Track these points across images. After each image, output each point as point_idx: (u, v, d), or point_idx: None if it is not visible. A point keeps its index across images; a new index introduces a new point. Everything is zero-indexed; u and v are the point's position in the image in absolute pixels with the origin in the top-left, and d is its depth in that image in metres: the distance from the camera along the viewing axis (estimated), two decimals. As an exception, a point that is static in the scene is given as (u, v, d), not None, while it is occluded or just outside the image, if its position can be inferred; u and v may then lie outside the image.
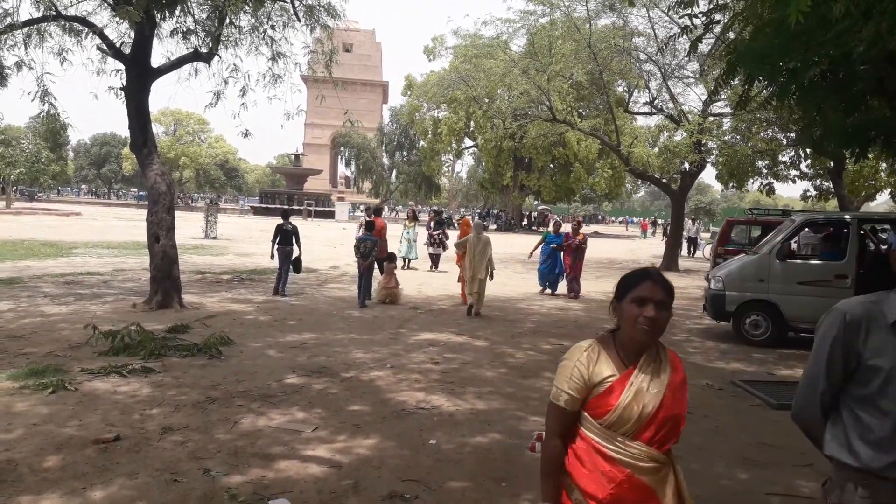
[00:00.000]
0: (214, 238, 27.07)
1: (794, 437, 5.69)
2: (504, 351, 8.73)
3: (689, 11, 6.63)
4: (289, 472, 4.44)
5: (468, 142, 53.67)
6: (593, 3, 18.73)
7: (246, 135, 12.92)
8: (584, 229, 17.42)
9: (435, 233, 19.26)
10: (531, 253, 14.54)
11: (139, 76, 10.62)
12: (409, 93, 52.10)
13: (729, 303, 9.89)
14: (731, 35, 4.98)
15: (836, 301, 8.05)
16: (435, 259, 19.37)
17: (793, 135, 20.23)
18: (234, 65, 12.29)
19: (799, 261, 9.85)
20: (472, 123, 47.03)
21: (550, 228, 15.74)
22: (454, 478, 4.49)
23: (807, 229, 10.78)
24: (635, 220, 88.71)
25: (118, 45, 10.75)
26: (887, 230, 12.75)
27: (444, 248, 19.39)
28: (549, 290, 14.98)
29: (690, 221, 33.36)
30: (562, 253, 14.81)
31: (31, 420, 5.13)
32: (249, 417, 5.51)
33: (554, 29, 20.40)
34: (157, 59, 11.40)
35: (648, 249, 35.02)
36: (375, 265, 12.75)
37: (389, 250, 14.60)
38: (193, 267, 16.71)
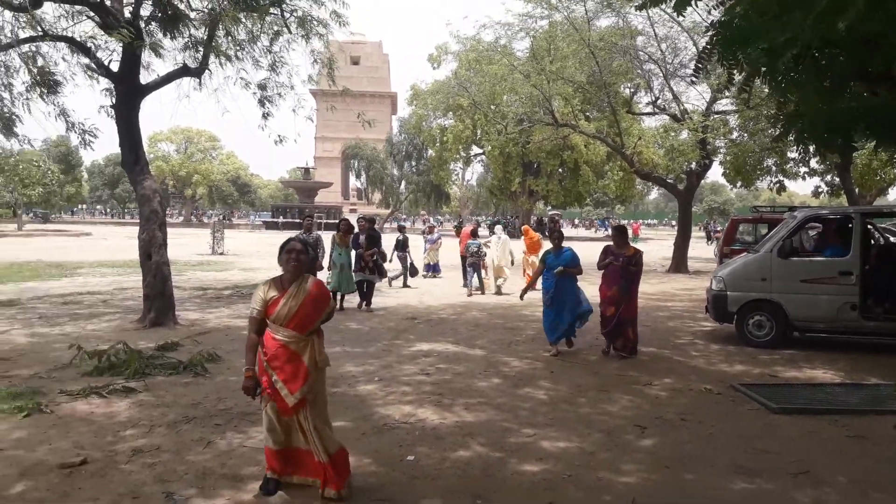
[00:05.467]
0: (222, 254, 27.08)
1: (792, 441, 5.49)
2: (500, 360, 8.53)
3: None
4: (256, 492, 4.27)
5: (476, 149, 53.50)
6: (592, 3, 18.57)
7: (280, 141, 12.86)
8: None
9: (367, 253, 12.69)
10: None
11: (128, 94, 10.56)
12: (414, 102, 52.03)
13: (731, 303, 9.63)
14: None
15: (843, 299, 7.79)
16: (365, 290, 12.80)
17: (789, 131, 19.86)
18: (244, 79, 12.11)
19: (801, 258, 9.57)
20: (478, 131, 46.85)
21: (548, 245, 9.54)
22: (428, 495, 4.30)
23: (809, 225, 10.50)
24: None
25: (107, 63, 10.70)
26: None
27: (382, 273, 13.28)
28: (562, 345, 9.00)
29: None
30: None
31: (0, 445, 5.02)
32: (225, 437, 5.36)
33: (554, 31, 20.22)
34: (154, 75, 11.37)
35: (659, 252, 34.58)
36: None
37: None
38: (197, 283, 16.67)
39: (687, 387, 7.32)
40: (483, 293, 15.69)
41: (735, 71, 4.34)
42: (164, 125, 71.50)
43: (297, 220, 56.42)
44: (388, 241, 14.89)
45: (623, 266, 8.64)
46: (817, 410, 6.41)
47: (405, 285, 16.69)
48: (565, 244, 9.27)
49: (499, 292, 15.54)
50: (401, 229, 17.96)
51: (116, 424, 5.61)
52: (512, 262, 16.02)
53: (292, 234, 12.16)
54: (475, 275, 15.75)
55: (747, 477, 4.72)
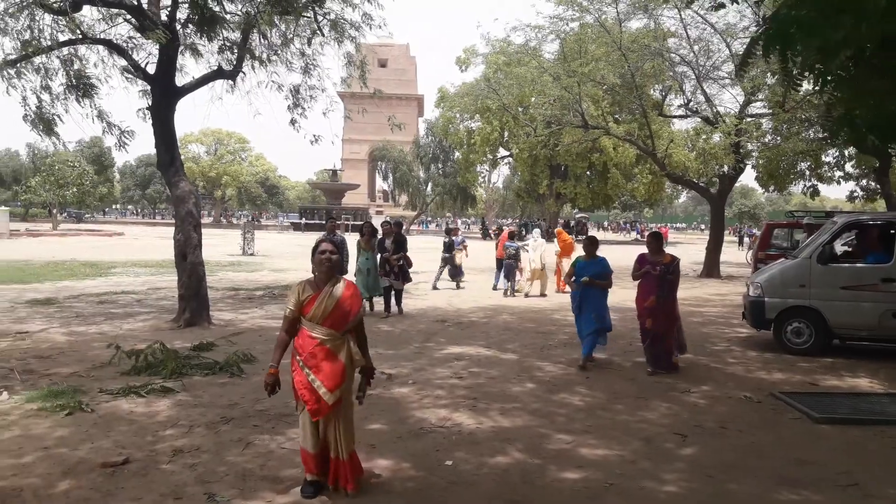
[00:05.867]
0: (252, 254, 27.33)
1: (836, 452, 5.36)
2: (533, 364, 8.47)
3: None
4: (296, 495, 4.27)
5: (503, 151, 53.46)
6: (623, 5, 18.41)
7: (315, 140, 12.96)
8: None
9: (394, 257, 12.33)
10: (562, 286, 9.08)
11: (164, 96, 10.69)
12: (442, 105, 52.12)
13: (769, 310, 9.46)
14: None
15: (885, 306, 7.58)
16: (395, 296, 12.55)
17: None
18: (276, 82, 12.17)
19: (842, 264, 9.38)
20: (506, 133, 46.79)
21: (581, 250, 8.95)
22: (469, 502, 4.27)
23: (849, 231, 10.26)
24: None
25: (144, 65, 10.85)
26: None
27: (407, 278, 12.84)
28: (587, 355, 8.37)
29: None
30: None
31: (43, 443, 5.09)
32: (264, 438, 5.38)
33: (584, 33, 20.08)
34: (189, 78, 11.50)
35: (689, 256, 34.16)
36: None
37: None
38: (228, 283, 16.82)
39: (725, 394, 7.19)
40: (514, 295, 15.74)
41: (789, 66, 4.22)
42: (195, 126, 72.61)
43: (321, 222, 56.95)
44: (413, 243, 14.83)
45: (660, 275, 7.97)
46: (861, 421, 6.26)
47: (434, 287, 16.73)
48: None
49: (543, 294, 15.98)
50: (448, 232, 18.42)
51: (156, 424, 5.66)
52: (543, 267, 16.30)
53: (316, 235, 11.89)
54: (510, 276, 16.08)
55: (793, 488, 4.61)
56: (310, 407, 4.17)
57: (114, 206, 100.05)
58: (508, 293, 15.86)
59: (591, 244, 8.65)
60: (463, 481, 4.60)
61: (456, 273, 17.46)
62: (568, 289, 9.08)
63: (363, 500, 4.23)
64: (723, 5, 6.63)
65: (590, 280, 8.31)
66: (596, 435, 5.68)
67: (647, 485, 4.62)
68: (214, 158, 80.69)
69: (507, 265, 16.10)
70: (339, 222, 13.03)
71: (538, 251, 16.13)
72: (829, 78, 4.06)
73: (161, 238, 38.82)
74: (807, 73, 4.15)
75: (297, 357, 4.24)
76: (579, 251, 9.27)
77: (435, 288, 16.66)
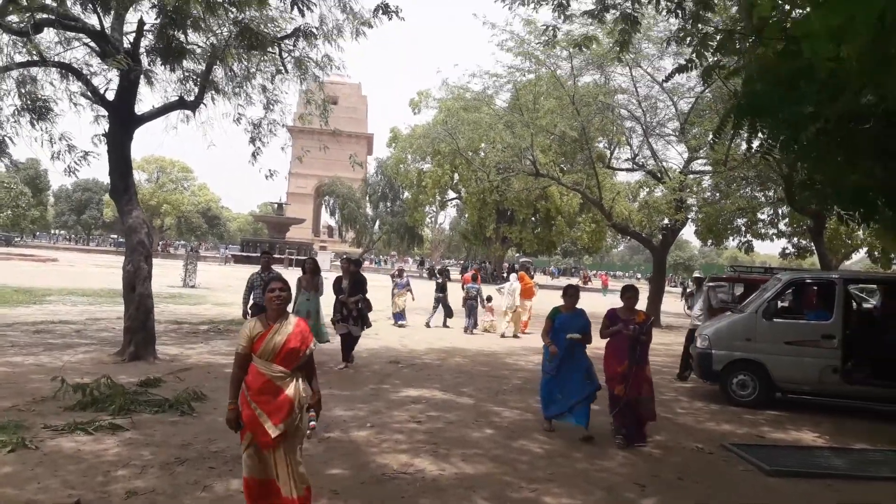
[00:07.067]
0: (193, 287, 26.60)
1: (791, 506, 5.50)
2: (490, 409, 8.47)
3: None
4: (262, 543, 4.14)
5: (452, 194, 54.01)
6: (578, 61, 19.05)
7: (270, 175, 12.84)
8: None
9: (351, 300, 10.88)
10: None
11: (122, 123, 10.46)
12: (394, 145, 52.54)
13: (716, 362, 9.74)
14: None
15: (825, 362, 7.93)
16: (346, 345, 10.98)
17: (772, 193, 20.51)
18: (241, 114, 12.16)
19: (786, 320, 9.77)
20: (456, 176, 47.37)
21: (561, 301, 7.65)
22: (439, 551, 4.21)
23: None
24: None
25: (102, 91, 10.62)
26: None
27: (366, 323, 11.29)
28: (558, 421, 7.49)
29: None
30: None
31: (-14, 483, 4.80)
32: (221, 481, 5.20)
33: (539, 85, 20.65)
34: (146, 106, 11.31)
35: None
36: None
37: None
38: (171, 316, 16.30)
39: (678, 444, 7.33)
40: (470, 333, 17.00)
41: (753, 138, 4.49)
42: (140, 153, 70.87)
43: (244, 254, 55.66)
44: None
45: (634, 336, 7.09)
46: (810, 474, 6.46)
47: (444, 325, 17.92)
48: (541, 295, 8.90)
49: (514, 335, 16.82)
50: (441, 273, 19.70)
51: (106, 464, 5.40)
52: (516, 309, 17.19)
53: (244, 269, 11.58)
54: (472, 315, 17.19)
55: (752, 541, 4.72)
56: (258, 440, 4.13)
57: (52, 232, 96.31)
58: (468, 331, 16.91)
59: (574, 295, 7.58)
60: (431, 530, 4.54)
61: (450, 313, 18.23)
62: (529, 330, 9.08)
63: (332, 548, 4.13)
64: (685, 69, 7.00)
65: (581, 336, 7.34)
66: (559, 483, 5.70)
67: (613, 535, 4.65)
68: (156, 186, 78.83)
69: (469, 305, 17.08)
70: (277, 256, 11.14)
71: (514, 295, 16.93)
72: (794, 147, 4.33)
73: (98, 266, 37.51)
74: (772, 143, 4.41)
75: (246, 393, 4.21)
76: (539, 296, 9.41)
77: (445, 325, 17.86)
